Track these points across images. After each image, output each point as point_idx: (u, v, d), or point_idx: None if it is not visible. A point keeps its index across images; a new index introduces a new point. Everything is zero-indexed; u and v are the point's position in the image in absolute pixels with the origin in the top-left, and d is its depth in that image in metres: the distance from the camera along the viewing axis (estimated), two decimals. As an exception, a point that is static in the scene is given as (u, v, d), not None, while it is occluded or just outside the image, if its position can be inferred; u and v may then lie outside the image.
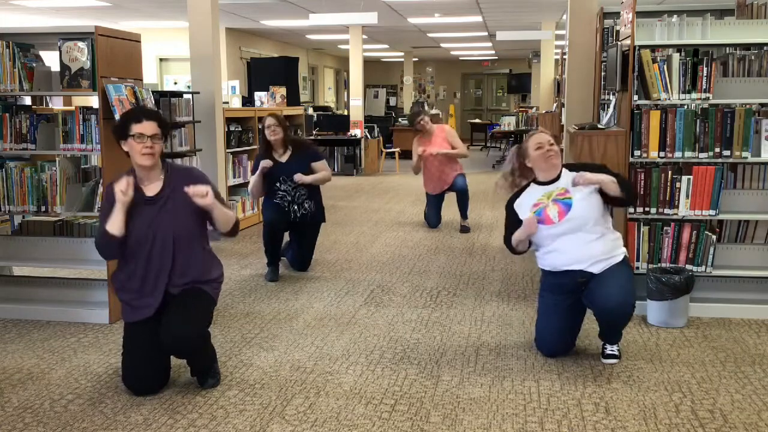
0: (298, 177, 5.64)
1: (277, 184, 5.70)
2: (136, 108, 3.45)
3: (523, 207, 3.87)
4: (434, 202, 7.85)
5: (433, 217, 7.86)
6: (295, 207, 5.74)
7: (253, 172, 5.80)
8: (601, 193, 3.76)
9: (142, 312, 3.48)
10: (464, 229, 7.70)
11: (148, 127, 3.38)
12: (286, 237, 6.05)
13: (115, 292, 3.61)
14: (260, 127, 5.80)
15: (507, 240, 3.94)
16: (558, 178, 3.85)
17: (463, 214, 7.77)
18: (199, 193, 3.35)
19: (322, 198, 6.04)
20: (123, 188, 3.32)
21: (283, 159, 5.73)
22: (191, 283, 3.51)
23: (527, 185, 3.93)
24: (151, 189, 3.48)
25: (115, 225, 3.37)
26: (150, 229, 3.42)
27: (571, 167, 3.91)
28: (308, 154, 5.83)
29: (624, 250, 3.83)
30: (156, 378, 3.51)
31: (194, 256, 3.53)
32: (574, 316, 3.90)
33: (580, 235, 3.71)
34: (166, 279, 3.46)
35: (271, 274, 5.71)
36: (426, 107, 7.72)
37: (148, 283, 3.47)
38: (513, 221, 3.91)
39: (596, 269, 3.71)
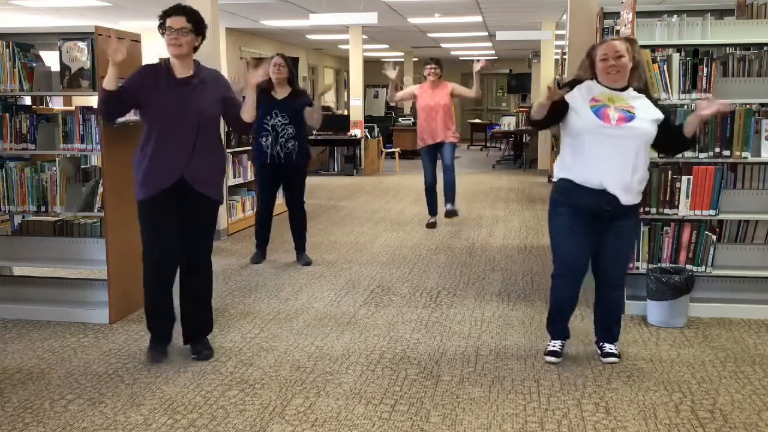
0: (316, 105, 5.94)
1: (268, 118, 5.89)
2: (173, 5, 3.82)
3: (581, 97, 3.63)
4: (428, 157, 7.81)
5: (428, 173, 7.81)
6: (278, 147, 5.89)
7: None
8: (662, 127, 3.63)
9: (159, 184, 3.77)
10: (449, 213, 7.75)
11: (176, 21, 3.74)
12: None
13: (136, 167, 3.86)
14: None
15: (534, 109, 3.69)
16: (623, 90, 3.64)
17: (449, 197, 7.81)
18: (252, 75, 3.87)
19: (305, 187, 6.24)
20: (115, 47, 3.67)
21: (280, 97, 5.94)
22: (204, 178, 3.83)
23: (586, 79, 3.71)
24: (182, 74, 3.82)
25: (107, 80, 3.72)
26: (177, 107, 3.76)
27: (640, 90, 3.68)
28: (304, 100, 6.03)
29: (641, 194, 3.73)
30: (177, 253, 3.87)
31: (211, 141, 3.88)
32: (590, 240, 3.71)
33: (626, 149, 3.54)
34: (186, 158, 3.77)
35: (256, 256, 6.16)
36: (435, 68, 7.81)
37: (169, 156, 3.76)
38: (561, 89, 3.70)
39: (625, 199, 3.57)
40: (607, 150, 3.55)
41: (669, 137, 3.71)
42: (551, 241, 3.82)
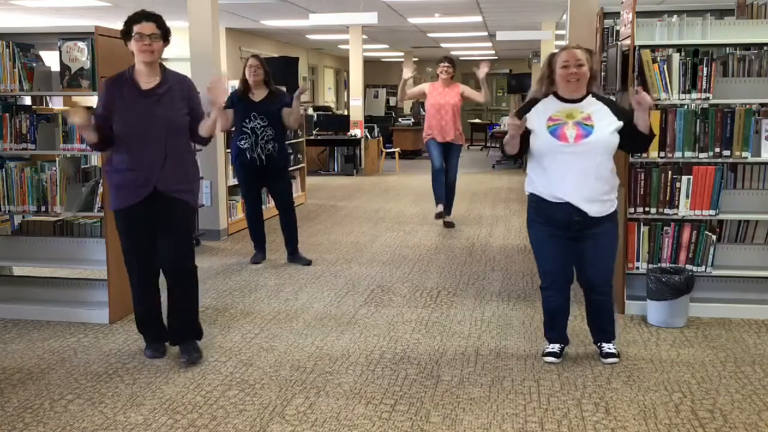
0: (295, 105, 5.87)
1: (246, 121, 5.88)
2: (138, 11, 3.76)
3: (539, 117, 3.65)
4: (435, 149, 7.75)
5: (436, 159, 7.73)
6: (259, 150, 5.89)
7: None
8: (624, 132, 3.62)
9: (133, 197, 3.76)
10: (447, 225, 7.80)
11: (147, 27, 3.69)
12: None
13: (108, 177, 3.90)
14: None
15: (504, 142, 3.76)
16: (581, 100, 3.65)
17: (447, 210, 7.86)
18: (218, 91, 3.78)
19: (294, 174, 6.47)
20: (72, 116, 3.74)
21: (257, 99, 5.91)
22: (178, 187, 3.80)
23: (544, 96, 3.72)
24: (148, 84, 3.77)
25: (87, 138, 3.80)
26: (144, 119, 3.72)
27: (599, 97, 3.70)
28: (282, 100, 6.00)
29: (616, 200, 3.71)
30: (152, 257, 3.85)
31: (182, 149, 3.86)
32: (568, 246, 3.74)
33: (586, 164, 3.57)
34: (158, 169, 3.74)
35: (255, 257, 6.20)
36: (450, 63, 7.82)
37: (140, 170, 3.74)
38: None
39: (592, 210, 3.59)
40: (567, 167, 3.59)
41: (632, 138, 3.68)
42: (534, 254, 3.88)
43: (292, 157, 6.23)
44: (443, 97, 7.67)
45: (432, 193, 7.98)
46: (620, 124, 3.62)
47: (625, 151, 3.88)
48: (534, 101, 3.74)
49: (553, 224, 3.70)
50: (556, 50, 3.80)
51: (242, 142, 5.92)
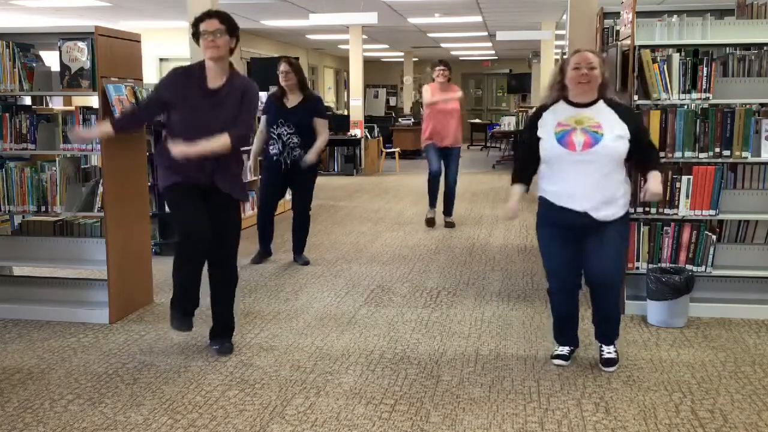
0: (309, 159, 5.86)
1: (275, 127, 5.90)
2: (204, 11, 3.86)
3: (547, 125, 3.64)
4: (435, 152, 7.77)
5: (434, 162, 7.75)
6: (285, 155, 5.90)
7: (261, 115, 6.18)
8: (631, 142, 3.59)
9: (190, 178, 3.80)
10: (448, 225, 7.83)
11: (211, 24, 3.75)
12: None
13: (160, 159, 3.94)
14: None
15: (515, 167, 3.84)
16: (592, 104, 3.62)
17: (448, 207, 7.89)
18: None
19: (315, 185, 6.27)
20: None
21: (290, 105, 5.88)
22: (227, 185, 3.88)
23: (555, 102, 3.70)
24: (214, 83, 3.82)
25: (101, 131, 3.97)
26: (203, 119, 3.77)
27: (610, 102, 3.66)
28: (315, 110, 5.97)
29: (627, 203, 3.70)
30: (208, 226, 3.80)
31: (233, 152, 3.87)
32: (576, 249, 3.72)
33: (593, 171, 3.54)
34: (210, 168, 3.79)
35: (258, 256, 6.20)
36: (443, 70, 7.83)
37: (197, 166, 3.76)
38: (530, 139, 3.72)
39: (600, 215, 3.58)
40: (574, 175, 3.58)
41: (638, 154, 3.66)
42: (542, 257, 3.86)
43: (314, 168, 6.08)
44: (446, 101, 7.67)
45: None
46: (628, 134, 3.57)
47: (635, 164, 3.82)
48: (543, 108, 3.74)
49: (564, 227, 3.68)
50: (560, 55, 3.81)
51: (271, 147, 5.93)
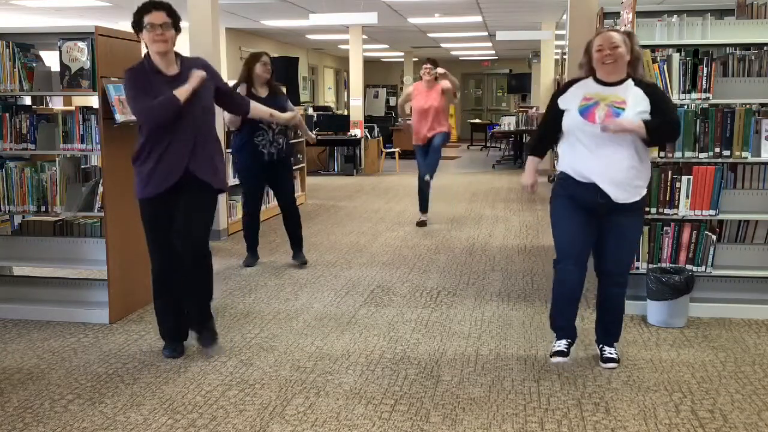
0: (311, 137, 6.48)
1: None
2: (147, 1, 3.73)
3: (572, 99, 3.64)
4: (422, 155, 7.88)
5: (422, 166, 7.86)
6: (274, 145, 5.91)
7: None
8: (651, 114, 3.56)
9: (165, 182, 3.76)
10: (426, 184, 7.88)
11: (157, 16, 3.67)
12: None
13: (137, 167, 3.84)
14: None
15: (533, 138, 3.85)
16: (620, 83, 3.60)
17: (430, 172, 7.88)
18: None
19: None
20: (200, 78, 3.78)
21: (263, 95, 5.90)
22: (206, 170, 3.83)
23: (583, 78, 3.71)
24: (171, 71, 3.78)
25: (184, 96, 3.69)
26: (186, 103, 3.70)
27: (640, 83, 3.62)
28: (285, 98, 6.09)
29: (644, 190, 3.67)
30: (176, 254, 3.83)
31: (209, 132, 3.89)
32: (590, 228, 3.69)
33: (612, 148, 3.53)
34: (188, 154, 3.76)
35: (248, 259, 6.17)
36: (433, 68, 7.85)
37: (173, 154, 3.74)
38: (551, 115, 3.73)
39: (616, 196, 3.56)
40: (594, 147, 3.57)
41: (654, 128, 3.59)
42: (552, 230, 3.80)
43: (293, 159, 6.31)
44: (426, 100, 7.71)
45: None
46: (647, 109, 3.55)
47: (653, 144, 3.75)
48: (570, 84, 3.76)
49: (578, 203, 3.67)
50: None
51: (259, 138, 5.88)
